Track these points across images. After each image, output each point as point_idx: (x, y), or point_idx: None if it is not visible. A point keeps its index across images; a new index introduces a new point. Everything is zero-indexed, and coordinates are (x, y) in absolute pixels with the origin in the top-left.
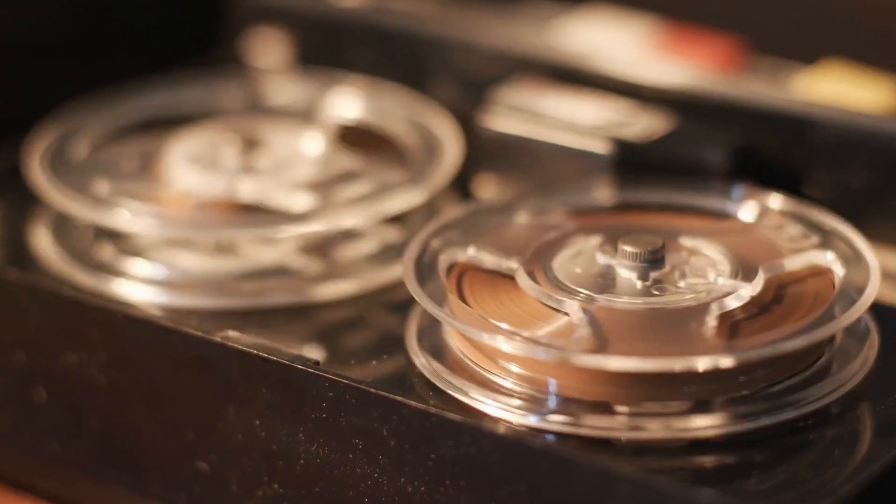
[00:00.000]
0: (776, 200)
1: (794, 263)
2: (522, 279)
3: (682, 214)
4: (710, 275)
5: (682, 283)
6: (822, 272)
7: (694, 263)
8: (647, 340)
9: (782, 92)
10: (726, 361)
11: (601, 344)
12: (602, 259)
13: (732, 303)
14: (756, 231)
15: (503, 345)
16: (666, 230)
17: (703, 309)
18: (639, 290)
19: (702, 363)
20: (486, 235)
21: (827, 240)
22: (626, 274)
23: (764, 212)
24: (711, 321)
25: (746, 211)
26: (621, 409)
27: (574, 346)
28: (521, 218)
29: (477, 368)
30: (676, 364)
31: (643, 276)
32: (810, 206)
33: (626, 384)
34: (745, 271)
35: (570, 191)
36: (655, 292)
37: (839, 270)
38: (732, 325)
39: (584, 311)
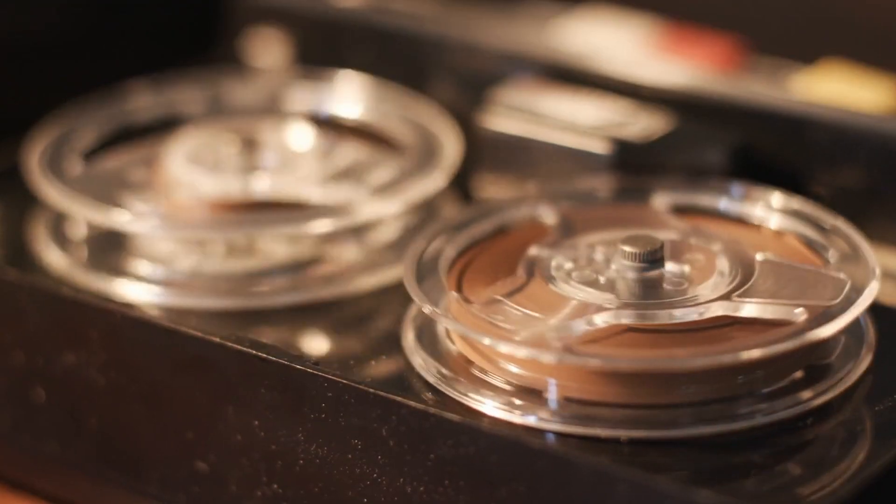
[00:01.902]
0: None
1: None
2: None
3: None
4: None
5: (680, 284)
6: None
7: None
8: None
9: (782, 92)
10: (723, 361)
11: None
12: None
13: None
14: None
15: (502, 346)
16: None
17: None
18: (638, 291)
19: (699, 363)
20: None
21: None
22: (626, 274)
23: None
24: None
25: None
26: (620, 408)
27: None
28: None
29: (476, 368)
30: (674, 364)
31: (642, 277)
32: (810, 206)
33: (626, 384)
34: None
35: (570, 190)
36: (654, 292)
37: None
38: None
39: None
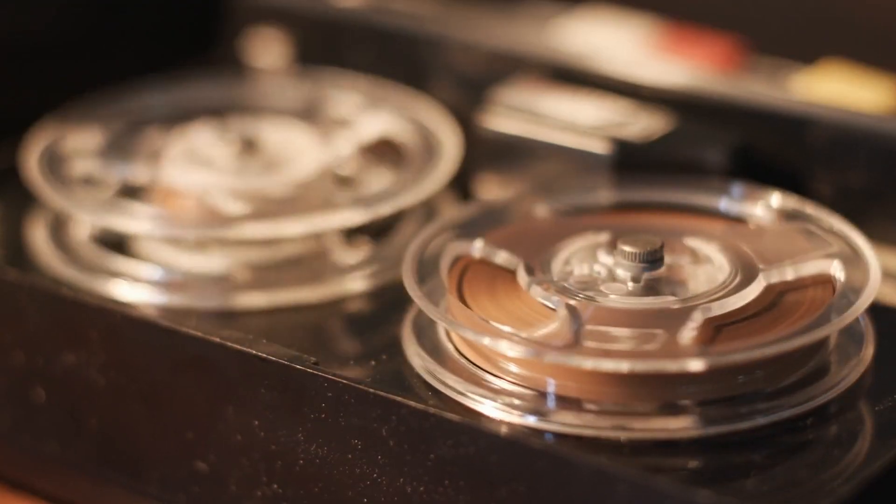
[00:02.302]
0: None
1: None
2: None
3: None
4: (708, 277)
5: (679, 285)
6: (825, 281)
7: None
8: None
9: (782, 92)
10: (721, 362)
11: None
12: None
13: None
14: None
15: (501, 346)
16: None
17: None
18: (638, 291)
19: (696, 364)
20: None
21: (837, 250)
22: (625, 274)
23: (779, 215)
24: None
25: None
26: (619, 409)
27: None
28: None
29: (476, 368)
30: (672, 365)
31: (641, 277)
32: (810, 206)
33: (625, 384)
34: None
35: (570, 190)
36: (653, 293)
37: (841, 277)
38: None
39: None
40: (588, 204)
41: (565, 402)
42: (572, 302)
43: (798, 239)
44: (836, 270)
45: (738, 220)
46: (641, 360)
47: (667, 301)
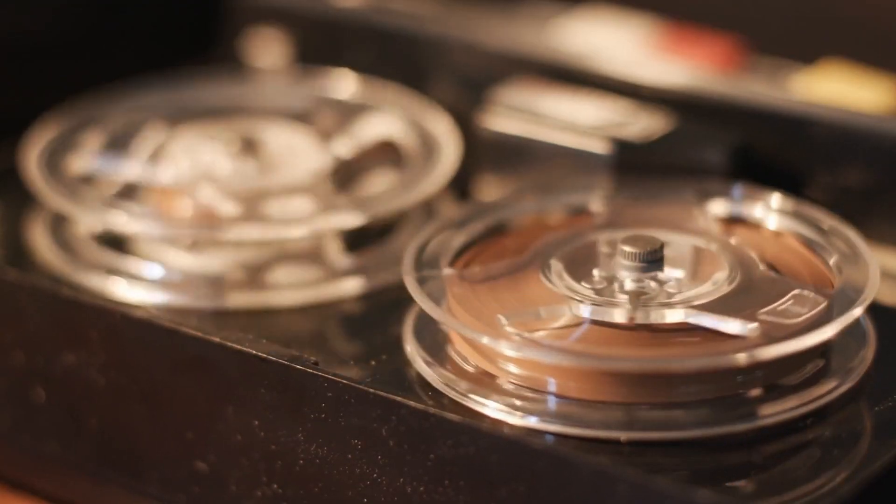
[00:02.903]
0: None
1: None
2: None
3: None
4: (705, 274)
5: (680, 284)
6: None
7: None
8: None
9: (782, 92)
10: (730, 362)
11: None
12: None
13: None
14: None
15: (502, 346)
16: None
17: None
18: (638, 290)
19: (698, 364)
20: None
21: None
22: (626, 274)
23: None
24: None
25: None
26: (620, 409)
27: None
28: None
29: (476, 369)
30: (673, 365)
31: (641, 277)
32: (810, 206)
33: (625, 384)
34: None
35: (570, 191)
36: (653, 292)
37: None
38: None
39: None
40: (588, 204)
41: (566, 402)
42: (572, 302)
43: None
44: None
45: (738, 220)
46: (642, 361)
47: (666, 301)
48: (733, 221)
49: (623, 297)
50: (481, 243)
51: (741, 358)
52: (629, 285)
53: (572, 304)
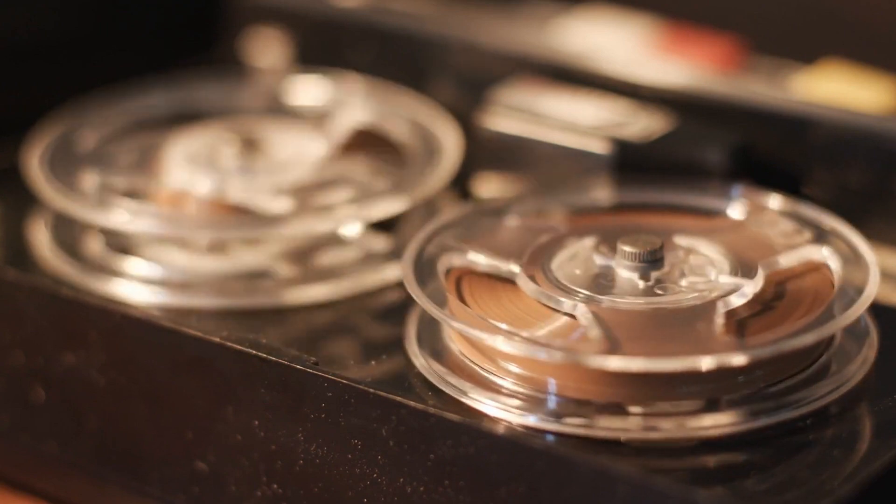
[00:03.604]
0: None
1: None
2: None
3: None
4: (709, 273)
5: (682, 283)
6: (818, 267)
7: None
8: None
9: (782, 92)
10: (735, 360)
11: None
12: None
13: (737, 300)
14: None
15: (503, 345)
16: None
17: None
18: (640, 290)
19: (704, 362)
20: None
21: (821, 235)
22: (626, 274)
23: (754, 208)
24: (719, 319)
25: (737, 208)
26: (620, 409)
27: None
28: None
29: (476, 368)
30: (677, 364)
31: (644, 276)
32: (810, 206)
33: (627, 384)
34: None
35: (570, 191)
36: (658, 292)
37: (835, 265)
38: (739, 323)
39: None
40: (588, 204)
41: (566, 401)
42: (573, 301)
43: (784, 229)
44: (827, 256)
45: (738, 219)
46: (644, 360)
47: (666, 300)
48: (733, 221)
49: (623, 297)
50: (481, 244)
51: (741, 358)
52: (629, 285)
53: (573, 303)
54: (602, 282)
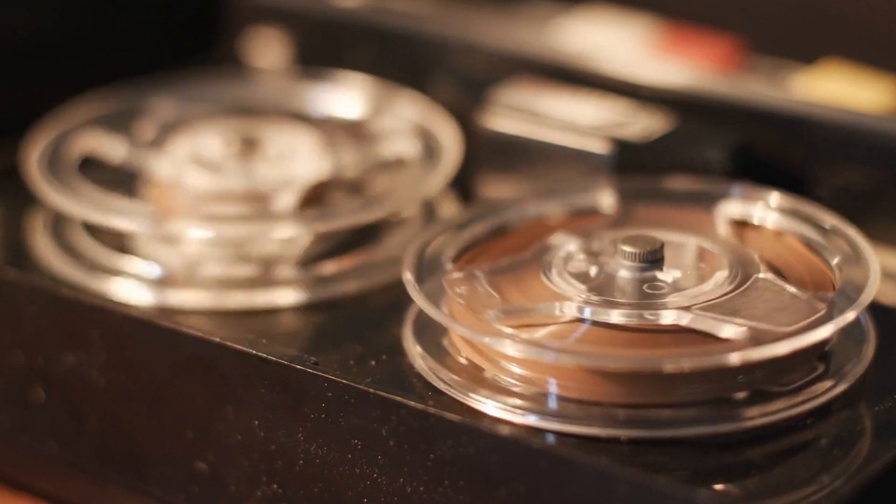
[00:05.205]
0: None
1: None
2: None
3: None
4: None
5: (678, 284)
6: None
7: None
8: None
9: (782, 92)
10: (734, 360)
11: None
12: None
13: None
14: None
15: (502, 346)
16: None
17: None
18: (640, 291)
19: (697, 364)
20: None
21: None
22: (626, 274)
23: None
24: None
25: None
26: (621, 409)
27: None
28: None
29: (476, 368)
30: (672, 365)
31: (642, 277)
32: (810, 206)
33: (626, 384)
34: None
35: (570, 191)
36: (653, 292)
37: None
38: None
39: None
40: (588, 204)
41: (566, 401)
42: (573, 302)
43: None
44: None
45: (738, 219)
46: (643, 360)
47: (665, 301)
48: (733, 221)
49: (623, 298)
50: (482, 244)
51: (740, 358)
52: (629, 285)
53: (572, 303)
54: (602, 282)
